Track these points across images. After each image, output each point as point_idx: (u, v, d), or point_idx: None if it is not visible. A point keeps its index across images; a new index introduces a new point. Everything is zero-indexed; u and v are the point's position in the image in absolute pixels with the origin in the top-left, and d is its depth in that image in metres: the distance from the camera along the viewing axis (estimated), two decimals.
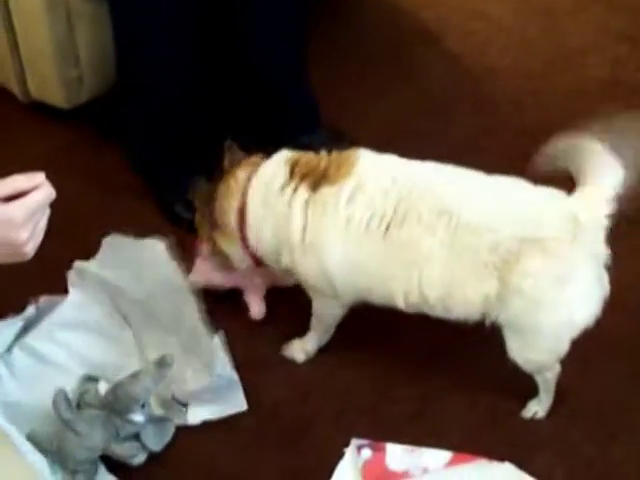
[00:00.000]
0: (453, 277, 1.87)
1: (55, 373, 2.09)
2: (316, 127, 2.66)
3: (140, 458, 1.99)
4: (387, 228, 1.88)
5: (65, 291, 2.20)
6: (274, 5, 2.43)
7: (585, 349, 2.01)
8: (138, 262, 2.12)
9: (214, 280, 2.25)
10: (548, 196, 1.86)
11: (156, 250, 2.10)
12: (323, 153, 2.01)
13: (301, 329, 2.19)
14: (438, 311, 1.94)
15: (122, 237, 2.12)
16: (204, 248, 2.21)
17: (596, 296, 1.86)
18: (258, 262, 2.12)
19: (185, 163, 2.53)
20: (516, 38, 3.15)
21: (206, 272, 2.25)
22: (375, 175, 1.93)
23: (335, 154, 1.99)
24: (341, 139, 2.63)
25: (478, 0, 3.30)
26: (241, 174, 2.04)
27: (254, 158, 2.08)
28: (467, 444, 1.94)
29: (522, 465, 1.86)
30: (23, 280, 2.21)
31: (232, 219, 2.05)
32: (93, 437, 1.92)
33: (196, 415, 2.05)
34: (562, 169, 1.83)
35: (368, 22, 3.21)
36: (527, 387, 2.06)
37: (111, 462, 1.98)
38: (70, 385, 2.02)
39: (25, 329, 2.13)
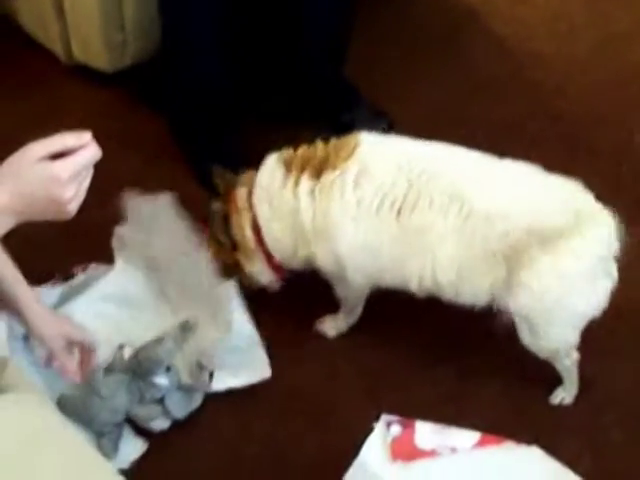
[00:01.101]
0: (464, 262, 1.87)
1: None
2: (357, 105, 2.65)
3: (162, 424, 2.00)
4: (399, 212, 1.88)
5: (109, 257, 2.22)
6: None
7: (614, 336, 2.01)
8: (158, 223, 2.14)
9: None
10: (561, 186, 1.86)
11: (167, 207, 2.10)
12: (319, 142, 2.00)
13: (333, 305, 2.19)
14: (449, 295, 1.94)
15: (137, 196, 2.13)
16: None
17: (603, 287, 1.85)
18: (280, 272, 2.13)
19: (222, 130, 2.54)
20: (562, 24, 3.12)
21: None
22: (380, 159, 1.92)
23: (333, 141, 1.99)
24: (381, 118, 2.63)
25: None
26: (241, 191, 2.06)
27: (247, 174, 2.08)
28: (496, 427, 1.94)
29: (550, 450, 1.86)
30: (65, 244, 2.26)
31: (249, 235, 2.06)
32: (117, 400, 1.93)
33: (220, 382, 2.05)
34: None
35: (415, 3, 3.19)
36: (556, 376, 2.06)
37: (137, 429, 2.01)
38: (105, 354, 2.04)
39: (70, 295, 2.15)
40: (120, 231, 2.22)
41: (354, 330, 2.22)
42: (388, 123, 2.62)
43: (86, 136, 1.50)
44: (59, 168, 1.45)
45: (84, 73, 2.76)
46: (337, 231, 1.93)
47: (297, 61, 2.61)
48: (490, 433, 1.89)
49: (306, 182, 1.95)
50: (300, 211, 1.96)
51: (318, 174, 1.93)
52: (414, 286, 1.95)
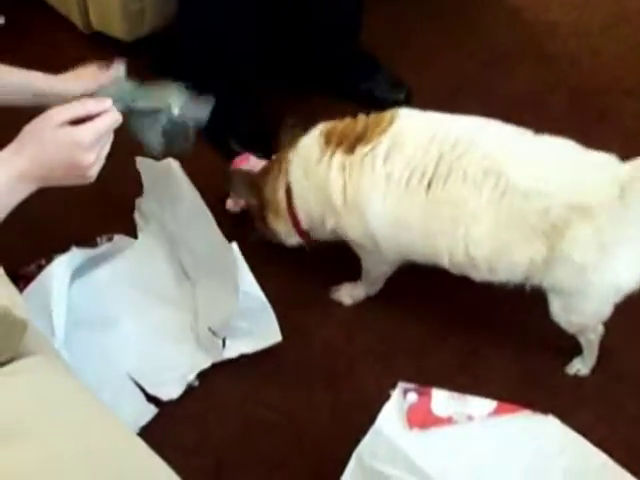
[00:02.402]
0: (500, 238, 1.86)
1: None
2: (375, 74, 2.65)
3: (174, 391, 2.01)
4: (429, 184, 1.87)
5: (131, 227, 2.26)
6: None
7: (633, 310, 2.01)
8: (169, 190, 2.15)
9: (245, 205, 2.29)
10: (599, 161, 1.84)
11: (173, 170, 2.10)
12: (361, 116, 2.00)
13: (350, 271, 2.20)
14: (483, 272, 1.94)
15: (145, 160, 2.14)
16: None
17: None
18: (306, 237, 2.16)
19: (241, 101, 2.53)
20: None
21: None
22: (413, 132, 1.92)
23: (373, 115, 1.99)
24: (401, 87, 2.63)
25: None
26: (287, 154, 2.08)
27: (300, 137, 2.09)
28: (512, 396, 1.93)
29: (565, 420, 1.86)
30: (89, 215, 2.29)
31: (281, 197, 2.09)
32: None
33: (232, 349, 2.06)
34: None
35: None
36: (575, 344, 2.07)
37: (147, 396, 2.02)
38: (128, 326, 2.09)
39: (93, 263, 2.18)
40: (140, 203, 2.24)
41: (368, 298, 2.23)
42: (406, 92, 2.63)
43: (107, 102, 1.52)
44: (82, 133, 1.46)
45: (102, 41, 2.77)
46: (367, 205, 1.94)
47: (313, 33, 2.61)
48: (506, 402, 1.90)
49: (339, 156, 1.96)
50: (330, 184, 1.97)
51: (352, 148, 1.94)
52: (445, 261, 1.95)
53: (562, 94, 2.73)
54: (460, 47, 2.89)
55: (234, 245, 1.96)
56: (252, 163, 2.33)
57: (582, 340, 2.04)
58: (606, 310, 1.93)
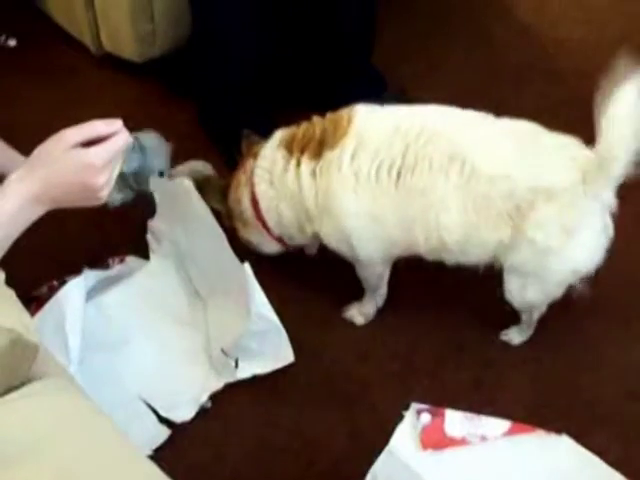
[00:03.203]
0: (469, 222, 1.88)
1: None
2: (383, 91, 2.65)
3: (186, 414, 2.00)
4: (398, 175, 1.89)
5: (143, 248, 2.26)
6: None
7: None
8: (181, 210, 2.15)
9: None
10: (563, 144, 1.86)
11: (186, 189, 2.10)
12: (317, 119, 2.01)
13: (361, 289, 2.20)
14: (456, 254, 1.96)
15: (157, 179, 2.10)
16: None
17: (601, 245, 1.88)
18: (283, 244, 2.17)
19: (250, 116, 2.54)
20: (589, 11, 3.10)
21: None
22: (376, 127, 1.93)
23: (330, 116, 2.00)
24: (407, 103, 2.63)
25: None
26: (248, 164, 2.08)
27: (258, 145, 2.10)
28: (525, 415, 1.94)
29: (580, 439, 1.86)
30: (101, 236, 2.32)
31: (247, 208, 2.10)
32: None
33: (245, 370, 2.06)
34: None
35: None
36: (590, 362, 2.06)
37: (160, 418, 2.02)
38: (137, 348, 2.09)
39: (104, 286, 2.18)
40: (152, 224, 2.24)
41: (381, 316, 2.22)
42: None
43: (117, 123, 1.52)
44: (94, 154, 1.47)
45: (113, 63, 2.78)
46: (339, 206, 1.95)
47: (328, 52, 2.61)
48: (519, 421, 1.90)
49: (307, 163, 1.97)
50: (303, 191, 1.98)
51: (318, 154, 1.95)
52: (422, 248, 1.97)
53: (572, 109, 2.70)
54: (468, 62, 2.89)
55: (246, 265, 1.95)
56: None
57: (524, 316, 2.09)
58: (560, 291, 1.98)
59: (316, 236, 2.07)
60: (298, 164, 1.98)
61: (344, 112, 1.98)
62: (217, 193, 2.17)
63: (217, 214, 2.14)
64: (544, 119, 2.62)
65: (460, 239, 1.91)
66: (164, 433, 1.99)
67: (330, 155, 1.93)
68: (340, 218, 1.97)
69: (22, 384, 1.41)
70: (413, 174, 1.87)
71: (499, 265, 1.96)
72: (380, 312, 2.22)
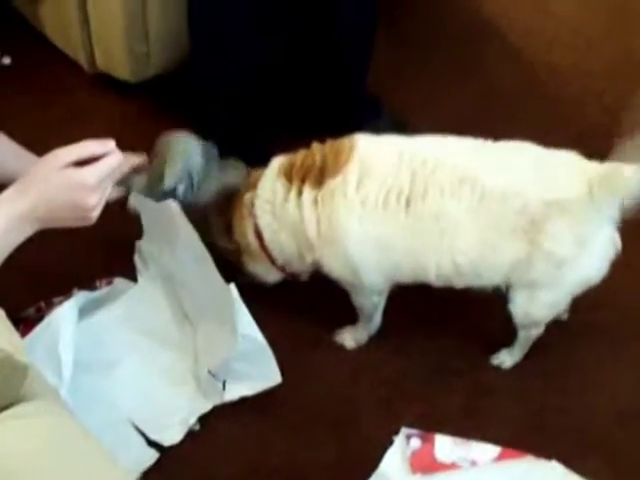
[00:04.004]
0: (484, 242, 1.89)
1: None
2: (379, 117, 2.66)
3: (175, 437, 1.99)
4: (408, 202, 1.89)
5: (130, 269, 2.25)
6: None
7: (636, 350, 2.01)
8: (168, 231, 2.14)
9: None
10: (565, 158, 1.89)
11: (172, 212, 2.08)
12: (316, 146, 2.01)
13: (353, 311, 2.19)
14: (469, 278, 1.96)
15: (145, 201, 2.11)
16: None
17: (609, 255, 1.90)
18: (287, 272, 2.17)
19: (246, 144, 2.54)
20: (580, 37, 3.12)
21: None
22: (378, 155, 1.94)
23: (329, 144, 2.00)
24: (403, 129, 2.63)
25: None
26: (247, 196, 2.07)
27: (253, 175, 2.09)
28: (515, 440, 1.93)
29: (570, 464, 1.86)
30: (89, 258, 2.31)
31: (251, 239, 2.09)
32: None
33: (232, 392, 2.05)
34: None
35: (433, 15, 3.19)
36: (580, 387, 2.06)
37: (148, 441, 2.01)
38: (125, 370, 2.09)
39: (92, 308, 2.17)
40: (140, 245, 2.24)
41: (371, 339, 2.22)
42: (411, 132, 2.63)
43: (110, 144, 1.53)
44: (86, 174, 1.47)
45: (107, 83, 2.78)
46: (344, 233, 1.94)
47: (325, 75, 2.62)
48: (510, 446, 1.89)
49: (309, 192, 1.96)
50: (304, 221, 1.97)
51: (320, 182, 1.95)
52: (432, 275, 1.97)
53: (564, 136, 2.72)
54: (462, 88, 2.90)
55: (232, 286, 1.95)
56: None
57: (522, 335, 2.09)
58: (566, 302, 2.00)
59: (316, 264, 2.06)
60: (299, 193, 1.97)
61: (345, 140, 1.98)
62: (221, 231, 2.15)
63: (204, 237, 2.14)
64: (538, 144, 2.65)
65: (475, 261, 1.91)
66: (152, 456, 1.98)
67: (332, 183, 1.93)
68: (345, 245, 1.96)
69: (11, 404, 1.40)
70: (424, 201, 1.87)
71: (507, 284, 1.97)
72: (370, 336, 2.21)
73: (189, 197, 1.75)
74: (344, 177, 1.92)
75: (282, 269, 2.14)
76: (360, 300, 2.15)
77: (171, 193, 1.76)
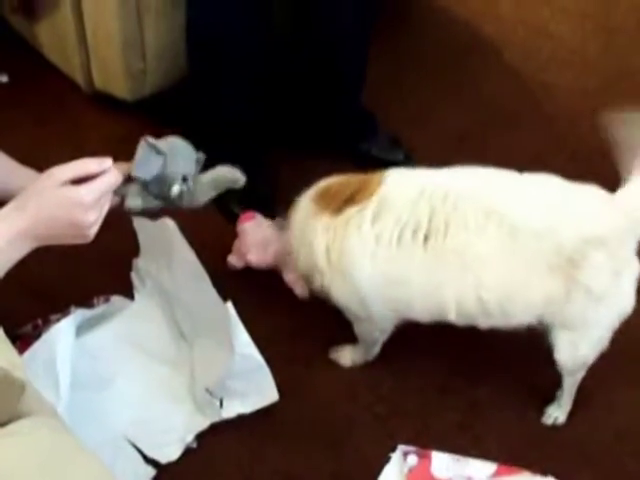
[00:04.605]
0: (514, 279, 1.85)
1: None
2: (375, 134, 2.67)
3: (172, 454, 1.99)
4: (426, 239, 1.86)
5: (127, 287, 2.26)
6: (349, 11, 2.45)
7: (633, 369, 2.01)
8: (165, 249, 2.15)
9: (252, 261, 2.29)
10: (591, 192, 1.87)
11: (169, 230, 2.10)
12: (356, 176, 2.01)
13: (351, 330, 2.18)
14: (495, 317, 1.92)
15: (141, 220, 2.14)
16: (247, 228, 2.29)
17: (637, 283, 1.89)
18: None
19: (244, 163, 2.54)
20: (577, 56, 3.13)
21: (244, 253, 2.30)
22: (401, 191, 1.91)
23: (365, 176, 1.99)
24: (399, 147, 2.65)
25: (541, 16, 3.28)
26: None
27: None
28: (512, 456, 1.94)
29: None
30: (86, 275, 2.31)
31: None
32: None
33: (229, 409, 2.05)
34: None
35: (430, 34, 3.20)
36: (577, 403, 2.07)
37: (145, 458, 2.01)
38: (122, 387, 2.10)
39: (89, 326, 2.17)
40: (137, 263, 2.24)
41: None
42: (405, 152, 2.64)
43: (107, 162, 1.53)
44: (83, 192, 1.47)
45: (104, 101, 2.78)
46: (354, 268, 1.93)
47: (321, 93, 2.63)
48: (506, 463, 1.89)
49: (326, 218, 1.95)
50: (314, 244, 1.97)
51: (340, 210, 1.93)
52: (452, 312, 1.92)
53: (561, 154, 2.74)
54: (458, 105, 2.91)
55: (229, 305, 1.95)
56: (258, 221, 2.34)
57: (568, 382, 2.04)
58: (608, 338, 1.94)
59: (325, 290, 2.05)
60: (319, 217, 1.97)
61: (377, 174, 1.97)
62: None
63: (204, 254, 2.14)
64: (533, 163, 2.65)
65: (503, 299, 1.88)
66: (150, 473, 1.98)
67: (350, 212, 1.92)
68: (354, 278, 1.95)
69: (8, 421, 1.40)
70: (446, 236, 1.84)
71: (543, 326, 1.93)
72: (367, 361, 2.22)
73: (186, 201, 1.74)
74: (361, 209, 1.91)
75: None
76: (362, 332, 2.14)
77: (173, 198, 1.75)
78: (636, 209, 1.83)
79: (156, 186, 1.68)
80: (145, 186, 1.67)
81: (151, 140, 1.66)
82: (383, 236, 1.89)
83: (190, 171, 1.72)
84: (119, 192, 1.65)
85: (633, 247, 1.86)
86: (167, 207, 1.74)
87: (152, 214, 2.03)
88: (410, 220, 1.87)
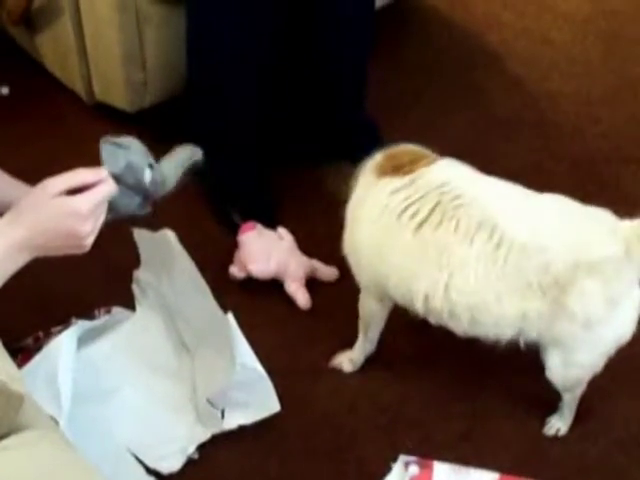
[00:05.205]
0: (490, 290, 1.85)
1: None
2: (377, 142, 2.65)
3: (173, 465, 1.99)
4: (420, 225, 1.88)
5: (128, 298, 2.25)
6: (349, 23, 2.46)
7: (636, 379, 2.00)
8: (165, 261, 2.15)
9: (253, 271, 2.30)
10: (596, 216, 1.86)
11: (169, 241, 2.10)
12: (419, 150, 2.04)
13: (350, 340, 2.19)
14: (463, 323, 1.91)
15: (141, 231, 2.15)
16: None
17: (637, 311, 1.87)
18: None
19: (242, 173, 2.55)
20: (580, 64, 3.13)
21: (245, 263, 2.31)
22: (430, 177, 1.93)
23: (425, 154, 2.02)
24: None
25: (543, 25, 3.28)
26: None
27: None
28: (514, 465, 1.93)
29: None
30: (87, 287, 2.31)
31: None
32: None
33: (231, 420, 2.04)
34: None
35: (433, 43, 3.20)
36: (577, 413, 2.06)
37: (147, 469, 2.01)
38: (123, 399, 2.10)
39: (90, 337, 2.16)
40: (137, 275, 2.24)
41: (369, 367, 2.21)
42: None
43: (102, 172, 1.53)
44: (79, 202, 1.47)
45: (105, 112, 2.79)
46: (359, 221, 1.99)
47: (322, 106, 2.63)
48: (508, 472, 1.89)
49: (369, 177, 2.00)
50: (352, 196, 2.03)
51: (383, 175, 1.97)
52: (419, 304, 1.93)
53: (563, 163, 2.74)
54: (461, 115, 2.91)
55: (230, 316, 1.96)
56: (258, 231, 2.34)
57: (567, 397, 2.04)
58: (602, 361, 1.93)
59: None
60: (366, 176, 2.02)
61: (432, 156, 2.01)
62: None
63: (205, 265, 2.14)
64: (534, 173, 2.66)
65: (473, 305, 1.87)
66: None
67: (384, 180, 1.96)
68: (355, 232, 2.01)
69: (7, 434, 1.40)
70: (436, 230, 1.86)
71: (528, 342, 1.92)
72: (368, 363, 2.21)
73: (160, 186, 1.75)
74: (390, 182, 1.94)
75: None
76: (362, 301, 2.13)
77: (148, 185, 1.77)
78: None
79: (129, 176, 1.68)
80: (119, 180, 1.68)
81: (110, 138, 1.67)
82: (391, 205, 1.92)
83: (151, 159, 1.73)
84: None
85: (634, 277, 1.83)
86: (147, 198, 1.74)
87: (151, 224, 2.03)
88: (416, 202, 1.90)
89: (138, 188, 1.70)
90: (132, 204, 1.71)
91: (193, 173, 1.83)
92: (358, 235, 2.00)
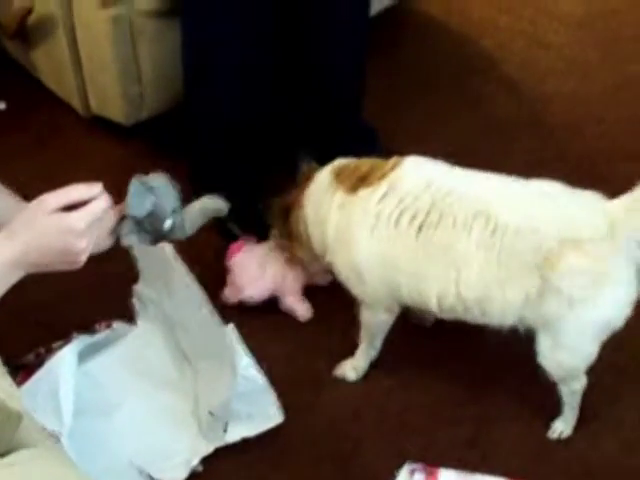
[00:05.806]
0: (493, 278, 1.87)
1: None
2: (374, 147, 2.66)
3: (178, 476, 1.98)
4: (420, 228, 1.90)
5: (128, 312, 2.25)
6: (345, 28, 2.47)
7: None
8: (164, 274, 2.14)
9: (253, 296, 2.30)
10: (586, 198, 1.88)
11: (167, 255, 2.10)
12: (373, 159, 2.05)
13: (352, 346, 2.19)
14: (474, 314, 1.94)
15: (140, 245, 2.13)
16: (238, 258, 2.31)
17: (629, 298, 1.86)
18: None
19: (242, 183, 2.54)
20: (576, 66, 3.12)
21: (240, 289, 2.30)
22: (411, 178, 1.96)
23: (382, 160, 2.03)
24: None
25: (539, 28, 3.27)
26: (305, 187, 2.12)
27: (315, 169, 2.14)
28: (520, 471, 1.92)
29: None
30: (87, 301, 2.31)
31: (302, 230, 2.13)
32: None
33: (233, 433, 2.04)
34: None
35: (429, 47, 3.20)
36: (584, 416, 2.04)
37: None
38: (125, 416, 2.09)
39: (90, 352, 2.15)
40: (137, 289, 2.24)
41: (373, 374, 2.21)
42: None
43: (97, 187, 1.53)
44: (74, 219, 1.47)
45: (101, 125, 2.79)
46: (354, 240, 1.98)
47: (320, 108, 2.62)
48: (515, 478, 1.88)
49: (340, 196, 2.01)
50: (328, 220, 2.03)
51: (354, 189, 1.99)
52: (433, 305, 1.96)
53: (563, 163, 2.73)
54: (459, 119, 2.90)
55: (230, 327, 1.96)
56: (248, 249, 2.33)
57: (565, 392, 2.02)
58: (592, 349, 1.92)
59: (329, 266, 2.10)
60: (334, 194, 2.02)
61: (393, 158, 2.02)
62: (278, 215, 2.21)
63: (204, 278, 2.13)
64: (533, 174, 2.64)
65: (481, 297, 1.90)
66: None
67: (363, 192, 1.97)
68: (353, 253, 1.99)
69: (6, 452, 1.39)
70: (436, 230, 1.89)
71: (526, 329, 1.93)
72: (372, 370, 2.20)
73: (177, 233, 1.74)
74: (373, 191, 1.96)
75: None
76: (367, 316, 2.13)
77: (166, 231, 1.76)
78: (636, 215, 1.82)
79: (150, 222, 1.68)
80: (139, 223, 1.67)
81: (141, 178, 1.66)
82: (384, 213, 1.93)
83: (177, 204, 1.72)
84: (114, 232, 1.66)
85: (620, 258, 1.83)
86: (160, 240, 1.74)
87: None
88: (411, 206, 1.91)
89: (153, 233, 1.71)
90: (139, 241, 1.71)
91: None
92: (357, 255, 1.99)
